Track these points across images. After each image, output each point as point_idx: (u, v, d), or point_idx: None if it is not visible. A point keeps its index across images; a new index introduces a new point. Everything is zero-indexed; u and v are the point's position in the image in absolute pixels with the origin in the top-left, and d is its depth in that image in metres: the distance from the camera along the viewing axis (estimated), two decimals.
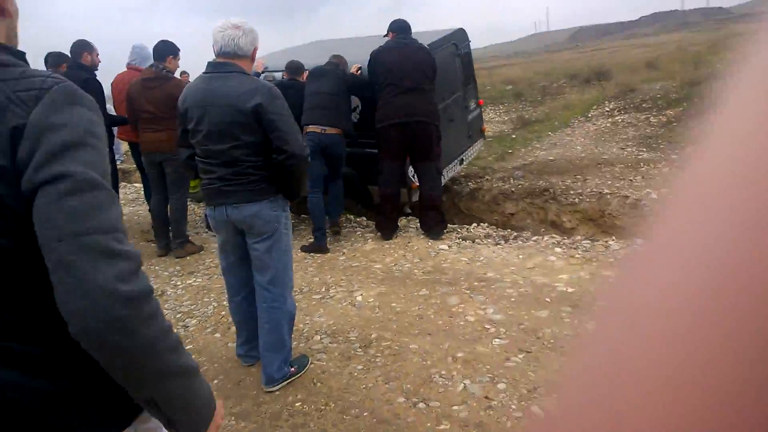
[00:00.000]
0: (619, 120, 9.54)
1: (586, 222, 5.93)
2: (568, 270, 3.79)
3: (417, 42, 4.75)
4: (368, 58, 4.69)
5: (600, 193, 5.93)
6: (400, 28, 4.80)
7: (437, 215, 4.78)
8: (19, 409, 0.86)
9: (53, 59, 5.11)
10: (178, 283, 4.34)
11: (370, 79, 4.74)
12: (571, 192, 6.10)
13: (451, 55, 5.85)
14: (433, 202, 4.74)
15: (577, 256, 4.03)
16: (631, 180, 6.21)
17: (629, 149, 7.74)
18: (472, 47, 6.50)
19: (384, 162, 4.70)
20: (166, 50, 4.55)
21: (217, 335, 3.35)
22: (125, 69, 5.50)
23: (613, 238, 4.55)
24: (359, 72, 4.97)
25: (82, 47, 4.84)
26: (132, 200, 7.81)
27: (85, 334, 0.79)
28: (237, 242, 2.62)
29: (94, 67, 4.90)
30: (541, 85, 16.09)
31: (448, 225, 5.17)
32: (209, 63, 2.50)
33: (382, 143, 4.67)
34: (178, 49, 4.66)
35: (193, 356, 2.98)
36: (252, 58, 2.54)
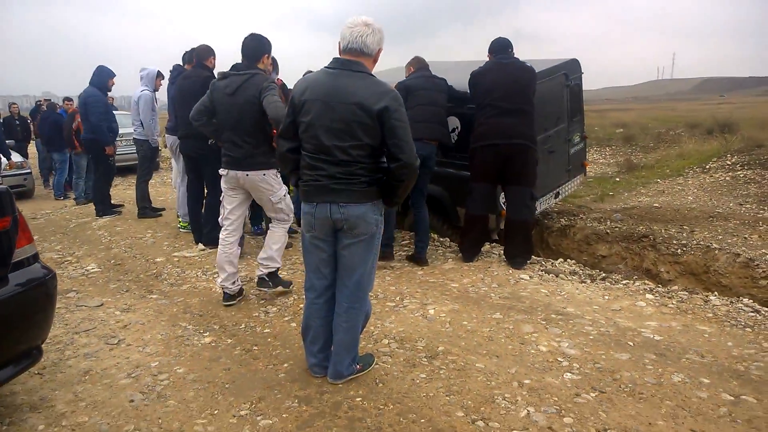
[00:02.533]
0: (741, 175, 8.82)
1: (686, 275, 5.52)
2: (658, 318, 3.54)
3: (519, 61, 4.63)
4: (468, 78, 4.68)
5: (707, 246, 5.51)
6: (499, 47, 4.68)
7: (524, 244, 4.59)
8: None
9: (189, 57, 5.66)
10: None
11: (471, 100, 4.71)
12: (674, 242, 5.72)
13: (560, 85, 5.75)
14: (522, 229, 4.56)
15: (670, 305, 3.76)
16: (745, 238, 5.71)
17: (748, 206, 7.12)
18: (587, 87, 6.34)
19: (475, 183, 4.64)
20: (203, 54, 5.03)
21: (293, 324, 3.48)
22: None
23: (715, 293, 4.19)
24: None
25: (209, 52, 5.22)
26: None
27: None
28: (331, 241, 2.61)
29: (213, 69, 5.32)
30: (657, 131, 15.27)
31: (533, 257, 5.02)
32: (335, 59, 2.50)
33: (475, 164, 4.60)
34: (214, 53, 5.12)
35: (269, 340, 3.14)
36: (375, 58, 2.53)
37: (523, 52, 4.79)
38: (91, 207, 7.32)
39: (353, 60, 2.46)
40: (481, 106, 4.56)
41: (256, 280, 4.04)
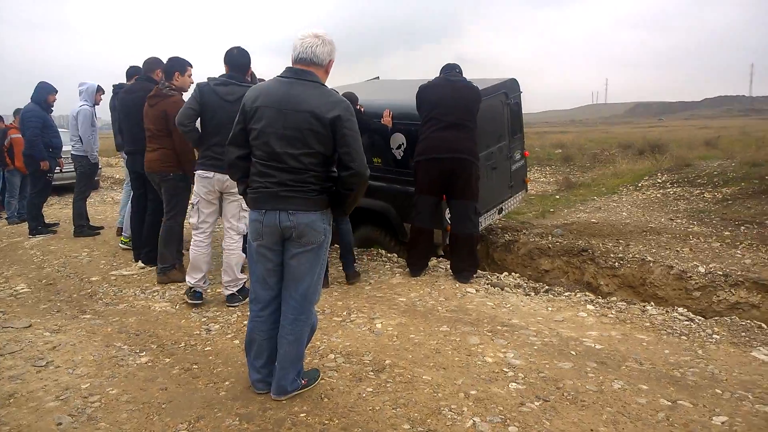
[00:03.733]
0: (671, 192, 9.33)
1: (624, 288, 5.75)
2: (599, 327, 3.66)
3: (465, 79, 4.76)
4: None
5: (642, 260, 5.76)
6: (449, 67, 4.86)
7: (470, 257, 4.63)
8: None
9: (133, 71, 5.50)
10: (208, 290, 4.41)
11: (418, 114, 4.77)
12: (612, 255, 5.95)
13: (501, 104, 5.92)
14: (467, 242, 4.60)
15: (610, 315, 3.89)
16: (677, 251, 6.00)
17: (679, 221, 7.51)
18: (527, 110, 6.56)
19: (419, 197, 4.67)
20: (174, 66, 4.43)
21: (236, 342, 3.37)
22: None
23: (652, 303, 4.37)
24: (362, 110, 5.05)
25: (156, 64, 4.97)
26: None
27: None
28: (278, 250, 2.55)
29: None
30: (593, 151, 15.99)
31: (479, 271, 5.09)
32: (288, 68, 2.50)
33: (419, 178, 4.64)
34: (189, 65, 4.48)
35: (210, 358, 3.02)
36: (327, 69, 2.55)
37: (466, 75, 4.94)
38: (24, 227, 6.90)
39: (305, 69, 2.48)
40: (426, 119, 4.62)
41: (225, 298, 4.08)
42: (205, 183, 3.87)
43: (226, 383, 2.84)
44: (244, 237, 3.99)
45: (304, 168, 2.44)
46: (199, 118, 3.81)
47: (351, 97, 5.09)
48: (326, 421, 2.46)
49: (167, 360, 3.15)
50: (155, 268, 4.73)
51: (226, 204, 3.98)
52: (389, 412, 2.55)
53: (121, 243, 5.76)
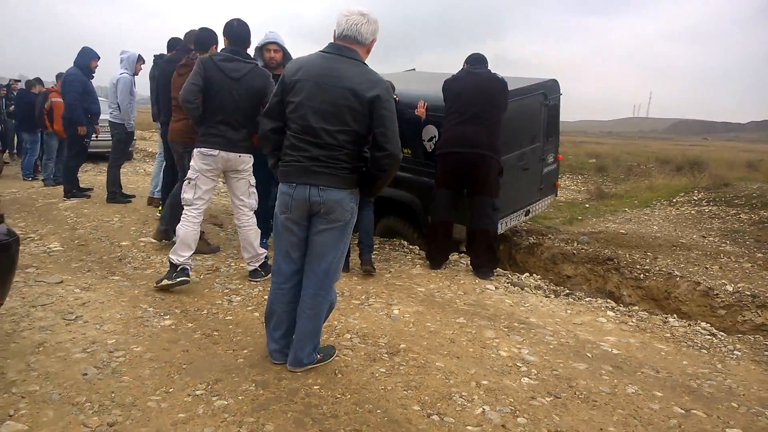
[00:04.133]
0: (706, 210, 9.12)
1: (647, 300, 5.66)
2: (618, 333, 3.62)
3: (489, 72, 4.69)
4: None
5: (669, 273, 5.66)
6: (474, 59, 4.80)
7: (489, 253, 4.61)
8: None
9: (174, 42, 5.62)
10: (232, 264, 4.53)
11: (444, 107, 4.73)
12: (638, 267, 5.86)
13: (538, 104, 5.85)
14: (483, 238, 4.57)
15: (630, 323, 3.85)
16: (706, 268, 5.88)
17: (711, 239, 7.34)
18: (563, 119, 6.46)
19: (438, 190, 4.68)
20: (211, 39, 4.36)
21: (257, 314, 3.45)
22: None
23: (674, 315, 4.30)
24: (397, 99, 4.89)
25: (210, 37, 4.98)
26: None
27: None
28: (304, 225, 2.58)
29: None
30: (628, 164, 15.70)
31: (500, 270, 5.08)
32: (330, 44, 2.52)
33: (439, 171, 4.65)
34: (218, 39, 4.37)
35: (231, 327, 3.10)
36: (369, 48, 2.57)
37: (503, 72, 4.90)
38: (60, 189, 7.14)
39: (348, 47, 2.49)
40: (449, 112, 4.62)
41: (248, 273, 4.15)
42: (208, 161, 3.78)
43: (245, 351, 2.91)
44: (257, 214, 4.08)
45: (338, 145, 2.46)
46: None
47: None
48: (339, 396, 2.51)
49: (190, 325, 3.25)
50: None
51: (234, 182, 3.94)
52: (401, 392, 2.59)
53: (159, 213, 5.91)
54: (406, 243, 5.59)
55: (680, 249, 6.54)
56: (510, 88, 5.31)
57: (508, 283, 4.61)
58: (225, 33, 3.83)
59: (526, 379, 2.84)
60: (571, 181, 13.62)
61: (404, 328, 3.39)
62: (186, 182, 3.88)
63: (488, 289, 4.36)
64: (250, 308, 3.58)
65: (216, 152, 3.76)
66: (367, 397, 2.52)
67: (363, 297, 3.89)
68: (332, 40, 2.54)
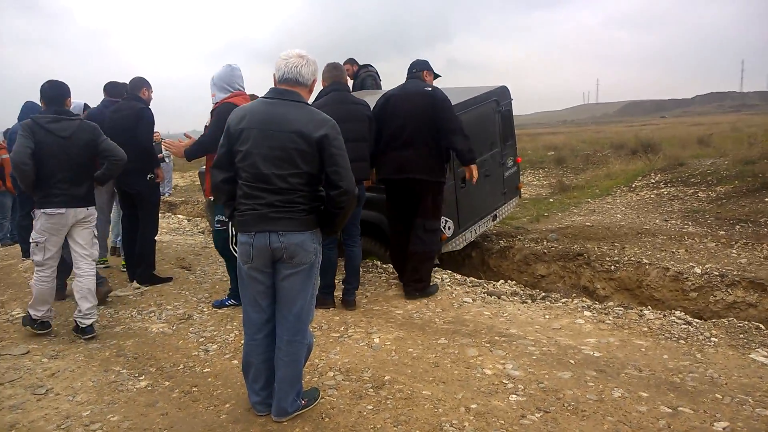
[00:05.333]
0: (665, 192, 9.38)
1: (621, 291, 5.76)
2: (597, 334, 3.67)
3: (420, 85, 4.41)
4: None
5: (638, 262, 5.78)
6: (413, 66, 4.55)
7: (413, 273, 4.45)
8: None
9: (114, 89, 5.54)
10: (204, 309, 4.41)
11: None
12: (607, 259, 5.97)
13: (492, 111, 5.95)
14: (413, 259, 4.44)
15: (607, 321, 3.90)
16: (673, 252, 6.03)
17: (673, 221, 7.56)
18: (519, 112, 6.58)
19: (389, 218, 4.72)
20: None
21: (235, 362, 3.36)
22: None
23: (649, 307, 4.38)
24: None
25: (142, 83, 5.14)
26: (174, 230, 8.06)
27: None
28: (268, 272, 2.54)
29: (148, 101, 5.19)
30: (585, 153, 16.05)
31: (474, 279, 5.10)
32: (272, 89, 2.53)
33: (386, 200, 4.64)
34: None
35: (209, 380, 3.01)
36: (311, 89, 2.60)
37: (457, 79, 4.89)
38: (17, 248, 6.87)
39: (290, 90, 2.50)
40: (382, 135, 4.44)
41: (82, 328, 3.90)
42: (55, 220, 3.79)
43: (227, 405, 2.83)
44: None
45: (292, 188, 2.44)
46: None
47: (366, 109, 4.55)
48: None
49: (166, 383, 3.14)
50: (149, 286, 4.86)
51: (79, 232, 3.94)
52: (390, 430, 2.55)
53: (122, 266, 5.73)
54: (379, 263, 5.56)
55: (645, 236, 6.69)
56: (462, 98, 5.39)
57: (484, 293, 4.62)
58: (42, 96, 3.94)
59: (514, 396, 2.84)
60: (533, 177, 13.84)
61: (387, 357, 3.35)
62: (33, 245, 3.85)
63: (466, 302, 4.37)
64: (227, 356, 3.49)
65: (63, 210, 3.80)
66: None
67: (342, 328, 3.84)
68: (272, 85, 2.55)
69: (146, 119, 4.91)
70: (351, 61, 7.21)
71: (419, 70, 4.52)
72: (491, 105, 5.92)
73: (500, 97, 6.07)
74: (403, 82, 4.55)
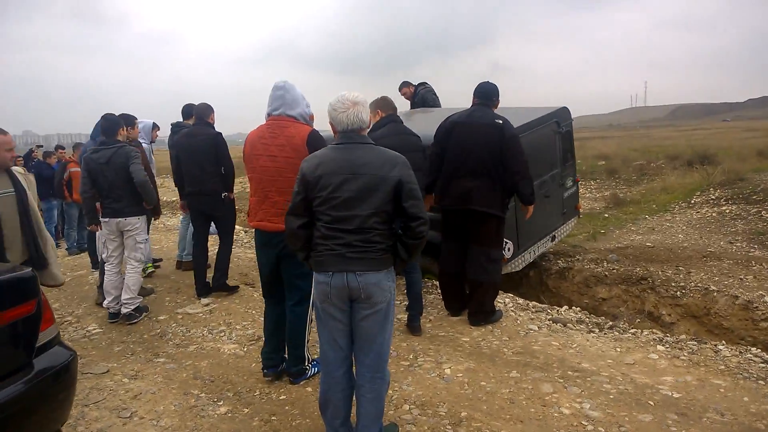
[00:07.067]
0: (726, 210, 9.04)
1: (687, 318, 5.60)
2: (673, 372, 3.58)
3: (489, 116, 4.33)
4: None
5: (705, 288, 5.60)
6: (481, 93, 4.47)
7: (478, 303, 4.44)
8: None
9: (189, 109, 5.89)
10: None
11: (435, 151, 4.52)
12: (673, 284, 5.80)
13: (553, 133, 5.90)
14: (476, 288, 4.45)
15: (682, 357, 3.80)
16: (741, 279, 5.82)
17: (738, 244, 7.27)
18: None
19: (444, 241, 4.65)
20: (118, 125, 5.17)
21: (309, 389, 3.44)
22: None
23: (723, 342, 4.24)
24: None
25: (210, 109, 5.54)
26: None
27: None
28: (346, 311, 2.59)
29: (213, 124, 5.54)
30: (638, 163, 15.62)
31: (537, 304, 5.05)
32: (340, 135, 2.59)
33: (442, 222, 4.58)
34: (134, 119, 5.55)
35: (287, 408, 3.08)
36: (369, 125, 2.71)
37: (500, 83, 4.64)
38: (85, 258, 7.19)
39: (357, 134, 2.58)
40: (445, 159, 4.44)
41: (125, 316, 4.85)
42: (106, 226, 4.88)
43: None
44: None
45: (370, 227, 2.49)
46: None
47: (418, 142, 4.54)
48: None
49: (245, 410, 3.24)
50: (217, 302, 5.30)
51: (125, 240, 4.90)
52: None
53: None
54: (437, 283, 5.56)
55: (711, 259, 6.47)
56: (524, 120, 5.35)
57: (549, 320, 4.58)
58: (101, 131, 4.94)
59: None
60: (585, 189, 13.54)
61: (460, 390, 3.36)
62: (102, 244, 5.14)
63: (532, 330, 4.33)
64: (302, 383, 3.56)
65: (107, 219, 4.85)
66: None
67: (411, 357, 3.87)
68: (335, 134, 2.63)
69: (223, 145, 5.33)
70: (406, 84, 7.52)
71: (488, 98, 4.47)
72: (552, 126, 5.87)
73: (561, 118, 6.02)
74: (470, 108, 4.49)
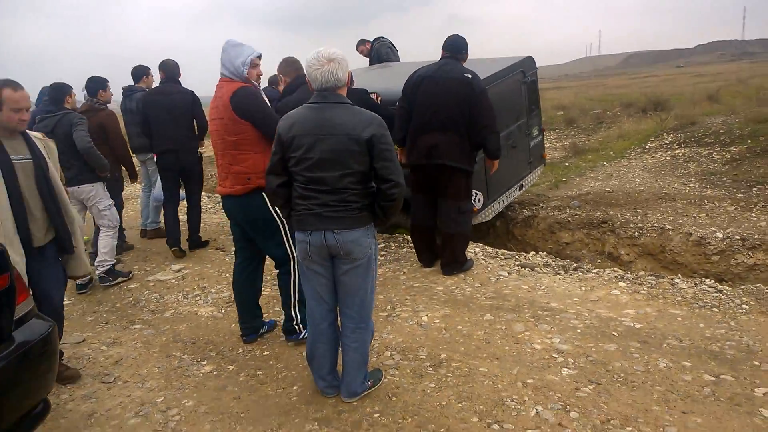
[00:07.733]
0: (680, 154, 9.41)
1: (645, 256, 5.89)
2: (634, 305, 3.81)
3: (458, 69, 4.30)
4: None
5: (662, 228, 5.89)
6: (450, 47, 4.43)
7: (450, 254, 4.55)
8: None
9: (140, 71, 5.99)
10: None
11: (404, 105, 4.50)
12: (631, 226, 6.07)
13: (518, 83, 5.96)
14: (448, 241, 4.54)
15: (642, 291, 4.04)
16: (694, 217, 6.13)
17: (691, 185, 7.62)
18: None
19: (413, 194, 4.67)
20: (97, 86, 5.26)
21: (290, 343, 3.51)
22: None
23: (679, 276, 4.52)
24: (379, 99, 4.78)
25: (178, 68, 5.53)
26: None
27: None
28: (327, 266, 2.67)
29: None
30: (594, 112, 15.95)
31: (506, 251, 5.23)
32: (315, 94, 2.57)
33: (410, 177, 4.49)
34: (106, 81, 5.36)
35: (271, 362, 3.16)
36: (347, 83, 2.65)
37: (467, 39, 4.48)
38: None
39: (333, 93, 2.55)
40: (413, 114, 4.42)
41: (97, 279, 4.88)
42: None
43: (295, 388, 2.99)
44: None
45: (345, 188, 2.53)
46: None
47: (363, 95, 4.55)
48: (400, 420, 2.62)
49: (230, 367, 3.30)
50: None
51: (90, 208, 4.90)
52: (456, 406, 2.71)
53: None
54: (409, 237, 5.67)
55: (666, 200, 6.78)
56: (490, 71, 5.39)
57: (518, 266, 4.76)
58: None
59: (566, 369, 2.99)
60: (546, 139, 13.78)
61: (438, 335, 3.50)
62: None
63: (502, 276, 4.50)
64: (283, 338, 3.63)
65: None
66: (427, 417, 2.64)
67: (388, 307, 3.98)
68: (312, 91, 2.59)
69: (200, 103, 5.41)
70: (362, 42, 7.42)
71: (458, 51, 4.44)
72: (517, 76, 5.92)
73: (526, 67, 6.06)
74: (439, 61, 4.46)
